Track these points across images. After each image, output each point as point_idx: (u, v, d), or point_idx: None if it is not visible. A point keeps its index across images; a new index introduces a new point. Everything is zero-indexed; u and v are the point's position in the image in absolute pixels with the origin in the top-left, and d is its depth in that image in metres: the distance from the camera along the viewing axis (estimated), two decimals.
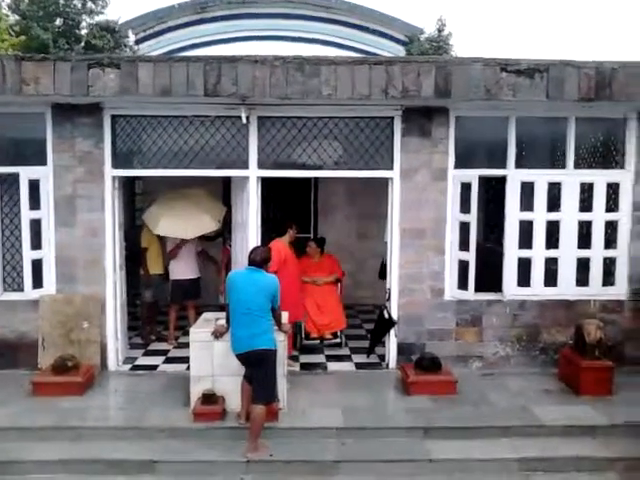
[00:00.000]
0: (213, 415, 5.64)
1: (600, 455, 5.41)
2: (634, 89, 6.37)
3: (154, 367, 7.19)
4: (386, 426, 5.70)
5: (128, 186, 9.27)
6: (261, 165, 6.80)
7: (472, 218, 6.79)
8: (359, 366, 7.25)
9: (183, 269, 8.00)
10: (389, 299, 6.99)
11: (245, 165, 6.79)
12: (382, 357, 7.26)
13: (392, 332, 6.98)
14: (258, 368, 5.22)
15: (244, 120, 6.51)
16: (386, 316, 6.99)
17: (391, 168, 6.82)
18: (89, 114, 6.67)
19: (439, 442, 5.54)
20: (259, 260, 5.32)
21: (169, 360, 7.44)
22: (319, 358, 7.52)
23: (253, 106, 6.55)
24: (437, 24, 17.16)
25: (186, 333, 6.60)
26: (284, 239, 7.34)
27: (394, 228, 6.88)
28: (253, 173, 6.79)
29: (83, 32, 17.96)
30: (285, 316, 5.95)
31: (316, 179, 9.94)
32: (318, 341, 7.79)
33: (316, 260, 8.12)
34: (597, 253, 7.02)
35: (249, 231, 6.83)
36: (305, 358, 7.51)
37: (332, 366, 7.26)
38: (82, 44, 17.31)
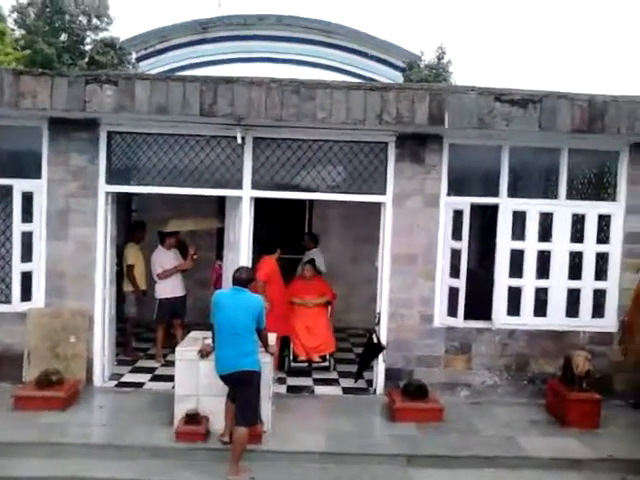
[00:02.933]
0: (196, 435, 5.58)
1: None
2: (626, 122, 6.43)
3: (140, 384, 7.14)
4: (369, 452, 5.65)
5: (125, 203, 9.33)
6: (255, 186, 6.83)
7: (463, 245, 6.80)
8: (346, 391, 7.20)
9: (171, 287, 7.97)
10: (379, 323, 6.98)
11: (239, 185, 6.82)
12: (370, 382, 7.20)
13: (380, 357, 6.95)
14: (242, 389, 5.18)
15: (239, 140, 6.56)
16: (375, 341, 6.96)
17: (384, 193, 6.86)
18: (85, 129, 6.71)
19: (422, 470, 5.47)
20: (245, 279, 5.32)
21: (156, 378, 7.38)
22: (306, 381, 7.47)
23: (249, 127, 6.60)
24: (437, 51, 17.37)
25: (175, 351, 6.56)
26: (273, 256, 7.58)
27: (385, 253, 6.90)
28: (247, 193, 6.82)
29: (87, 48, 18.16)
30: (272, 337, 5.93)
31: (311, 201, 9.97)
32: (306, 364, 7.73)
33: (307, 281, 8.10)
34: (587, 284, 7.02)
35: (240, 250, 6.83)
36: (292, 381, 7.45)
37: (319, 390, 7.21)
38: (86, 60, 17.49)
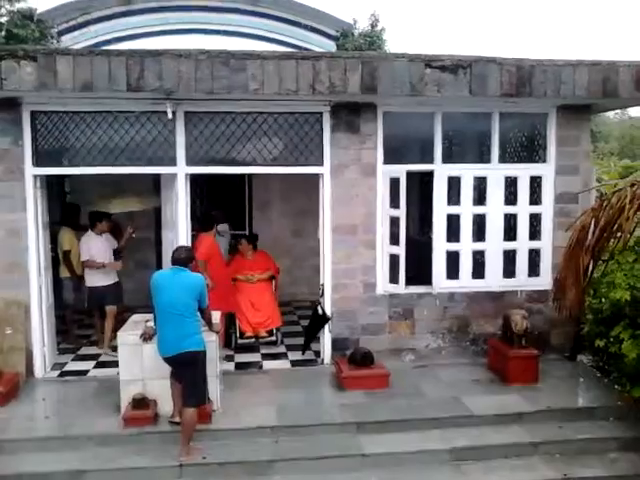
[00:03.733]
0: (144, 420, 5.51)
1: (525, 441, 5.63)
2: (552, 86, 6.58)
3: (84, 372, 6.96)
4: (320, 422, 5.73)
5: (57, 185, 8.95)
6: (190, 162, 6.67)
7: (401, 213, 6.87)
8: (295, 363, 7.24)
9: (101, 275, 7.51)
10: (323, 295, 7.02)
11: (173, 162, 6.64)
12: (317, 353, 7.27)
13: (326, 328, 7.01)
14: (187, 370, 5.12)
15: (170, 115, 6.36)
16: (320, 312, 7.01)
17: (321, 164, 6.83)
18: (5, 109, 6.36)
19: (372, 436, 5.60)
20: (184, 258, 5.22)
21: (100, 364, 7.21)
22: (254, 357, 7.46)
23: (179, 101, 6.41)
24: (370, 19, 17.27)
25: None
26: (210, 234, 7.44)
27: (326, 224, 6.91)
28: (181, 170, 6.66)
29: (3, 20, 17.02)
30: (216, 315, 5.87)
31: (250, 175, 9.84)
32: (253, 339, 7.72)
33: (249, 257, 8.04)
34: (522, 245, 7.24)
35: (179, 229, 6.69)
36: (240, 357, 7.43)
37: (268, 364, 7.22)
38: (3, 33, 16.40)
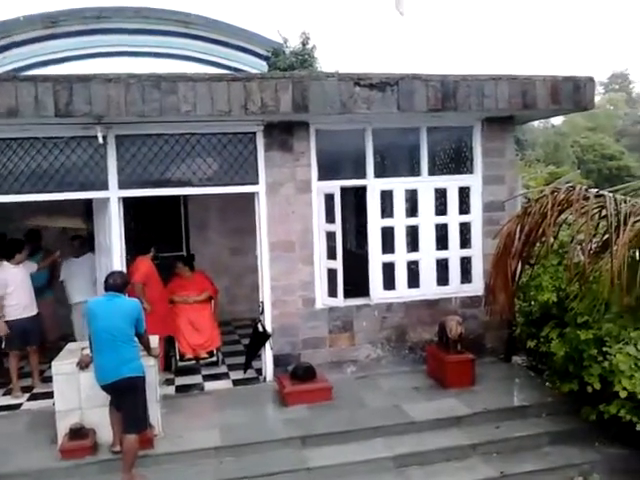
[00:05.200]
0: (83, 450, 5.37)
1: (464, 443, 5.81)
2: (475, 100, 6.89)
3: (17, 406, 6.70)
4: (264, 440, 5.73)
5: None
6: (122, 185, 6.59)
7: (337, 227, 7.00)
8: (237, 382, 7.21)
9: (21, 307, 6.91)
10: (262, 312, 7.05)
11: (105, 186, 6.55)
12: (259, 371, 7.27)
13: (267, 345, 7.03)
14: (127, 397, 5.04)
15: (100, 140, 6.29)
16: (260, 329, 7.03)
17: (256, 183, 6.90)
18: None
19: (317, 449, 5.66)
20: (120, 284, 5.17)
21: (34, 397, 6.96)
22: (196, 379, 7.38)
23: (109, 125, 6.35)
24: (301, 37, 17.50)
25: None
26: (148, 256, 7.40)
27: (263, 242, 6.96)
28: (114, 194, 6.57)
29: None
30: (155, 340, 5.81)
31: (186, 196, 9.78)
32: (194, 361, 7.65)
33: (187, 278, 7.98)
34: (454, 253, 7.50)
35: (113, 254, 6.58)
36: (181, 380, 7.34)
37: (209, 385, 7.16)
38: None
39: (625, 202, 5.58)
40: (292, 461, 5.49)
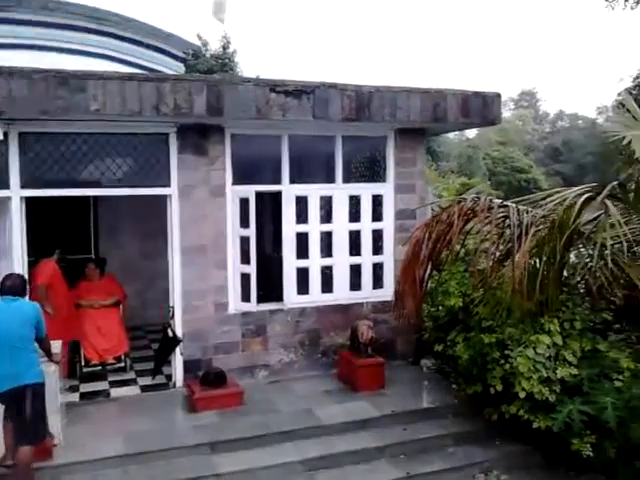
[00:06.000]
0: None
1: (372, 445, 5.93)
2: (388, 110, 7.08)
3: None
4: (171, 447, 5.63)
5: None
6: (25, 184, 6.29)
7: (251, 232, 6.99)
8: (145, 389, 7.04)
9: None
10: (173, 317, 6.92)
11: (6, 185, 6.23)
12: (169, 377, 7.13)
13: (178, 350, 6.90)
14: (24, 406, 4.78)
15: (1, 136, 5.98)
16: (170, 334, 6.90)
17: (168, 185, 6.78)
18: None
19: (226, 455, 5.61)
20: (18, 287, 4.93)
21: None
22: (102, 385, 7.14)
23: (11, 121, 6.05)
24: (222, 41, 17.41)
25: None
26: (52, 259, 7.15)
27: (175, 245, 6.84)
28: (15, 193, 6.26)
29: None
30: (57, 345, 5.57)
31: (96, 198, 9.45)
32: (100, 367, 7.39)
33: (94, 282, 7.72)
34: (367, 259, 7.68)
35: (14, 257, 6.25)
36: (86, 387, 7.08)
37: (116, 392, 6.95)
38: None
39: (527, 212, 5.90)
40: (200, 468, 5.42)
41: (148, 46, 12.85)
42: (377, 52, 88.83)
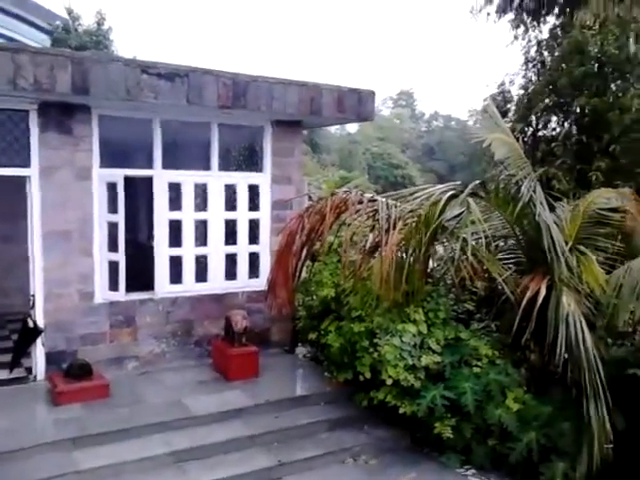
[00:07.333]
0: None
1: (244, 434, 5.93)
2: (265, 101, 7.07)
3: None
4: (30, 445, 5.30)
5: None
6: None
7: (120, 218, 6.71)
8: (2, 383, 6.53)
9: None
10: (34, 306, 6.49)
11: None
12: (30, 370, 6.69)
13: (39, 341, 6.49)
14: None
15: None
16: (30, 325, 6.47)
17: (28, 166, 6.34)
18: None
19: (90, 450, 5.38)
20: None
21: None
22: None
23: None
24: (96, 17, 16.51)
25: None
26: None
27: (35, 229, 6.41)
28: None
29: None
30: None
31: None
32: None
33: None
34: (242, 249, 7.65)
35: None
36: None
37: None
38: None
39: (395, 207, 6.13)
40: (60, 465, 5.15)
41: (10, 14, 11.81)
42: (262, 44, 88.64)
